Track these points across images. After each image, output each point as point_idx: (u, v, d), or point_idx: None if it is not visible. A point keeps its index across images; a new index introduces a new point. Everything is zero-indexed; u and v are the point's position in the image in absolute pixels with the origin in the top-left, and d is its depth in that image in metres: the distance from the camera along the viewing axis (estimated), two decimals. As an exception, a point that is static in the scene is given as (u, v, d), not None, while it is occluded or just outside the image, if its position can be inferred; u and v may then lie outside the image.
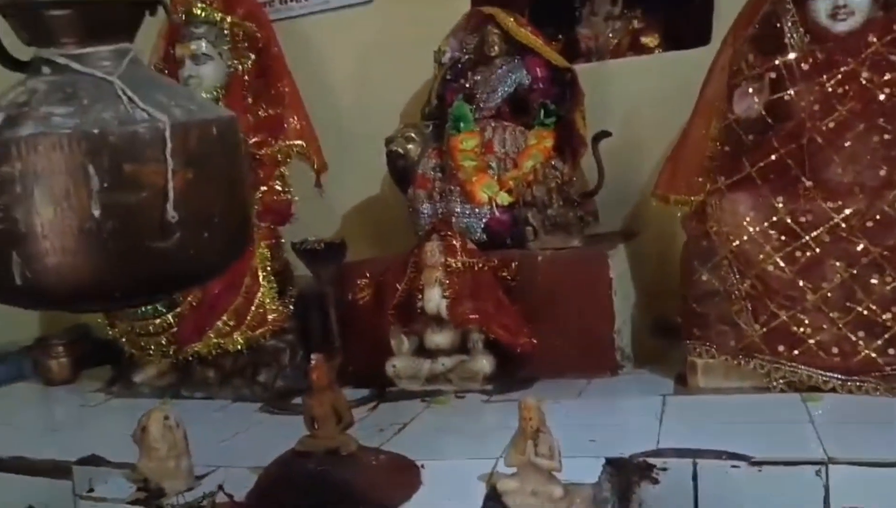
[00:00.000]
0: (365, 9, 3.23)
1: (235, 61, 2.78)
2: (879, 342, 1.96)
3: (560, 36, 3.22)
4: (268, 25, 2.86)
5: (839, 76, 2.07)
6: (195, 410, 2.40)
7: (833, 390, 2.00)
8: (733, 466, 1.64)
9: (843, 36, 2.11)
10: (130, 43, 1.22)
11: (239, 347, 2.50)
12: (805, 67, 2.11)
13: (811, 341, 2.01)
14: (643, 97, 2.90)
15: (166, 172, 1.09)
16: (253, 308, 2.50)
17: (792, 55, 2.13)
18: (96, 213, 1.07)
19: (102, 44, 1.18)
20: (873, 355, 1.96)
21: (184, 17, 2.77)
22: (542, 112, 2.71)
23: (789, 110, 2.12)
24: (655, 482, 1.69)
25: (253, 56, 2.80)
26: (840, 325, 1.99)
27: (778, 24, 2.17)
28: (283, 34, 3.06)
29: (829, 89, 2.07)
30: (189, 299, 2.52)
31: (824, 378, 2.01)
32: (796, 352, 2.03)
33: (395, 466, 1.77)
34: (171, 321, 2.57)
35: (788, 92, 2.12)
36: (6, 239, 1.08)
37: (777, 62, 2.13)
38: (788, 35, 2.14)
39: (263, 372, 2.57)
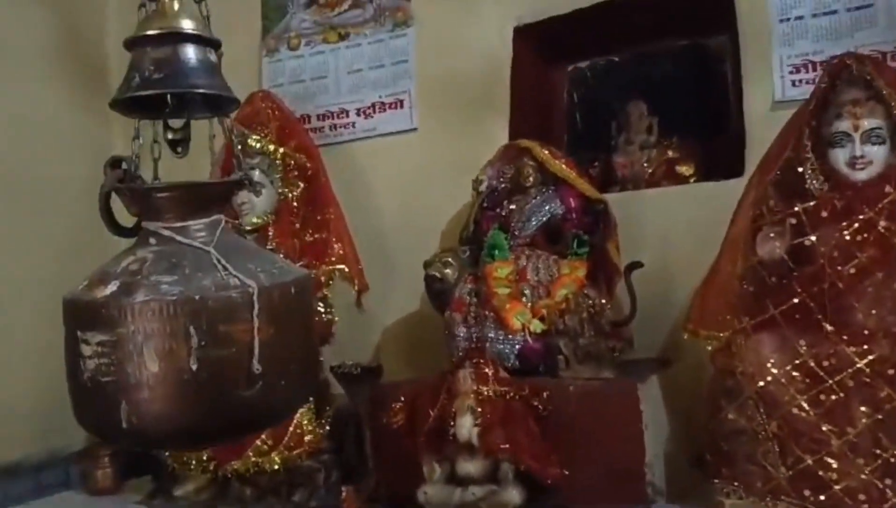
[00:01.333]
0: (409, 136, 3.47)
1: (286, 189, 3.01)
2: (907, 490, 2.00)
3: (596, 163, 3.42)
4: (317, 156, 3.11)
5: (857, 224, 2.18)
6: (231, 527, 2.53)
7: (862, 537, 2.03)
8: None
9: (861, 185, 2.23)
10: (221, 214, 1.47)
11: (276, 466, 2.63)
12: (824, 213, 2.24)
13: (837, 486, 2.06)
14: (677, 226, 3.03)
15: (253, 330, 1.31)
16: (291, 429, 2.64)
17: (812, 202, 2.25)
18: (193, 367, 1.28)
19: (199, 217, 1.43)
20: (901, 503, 1.99)
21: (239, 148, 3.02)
22: (576, 242, 2.84)
23: (810, 255, 2.24)
24: None
25: (302, 184, 3.03)
26: (867, 471, 2.03)
27: (799, 170, 2.31)
28: (331, 157, 3.32)
29: (848, 236, 2.18)
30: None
31: (852, 525, 2.04)
32: (823, 497, 2.07)
33: None
34: (213, 437, 2.71)
35: (809, 237, 2.24)
36: (116, 389, 1.29)
37: (797, 208, 2.26)
38: (809, 181, 2.28)
39: (298, 492, 2.69)
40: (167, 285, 1.31)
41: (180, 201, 1.42)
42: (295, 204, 3.02)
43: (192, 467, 2.76)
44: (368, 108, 3.52)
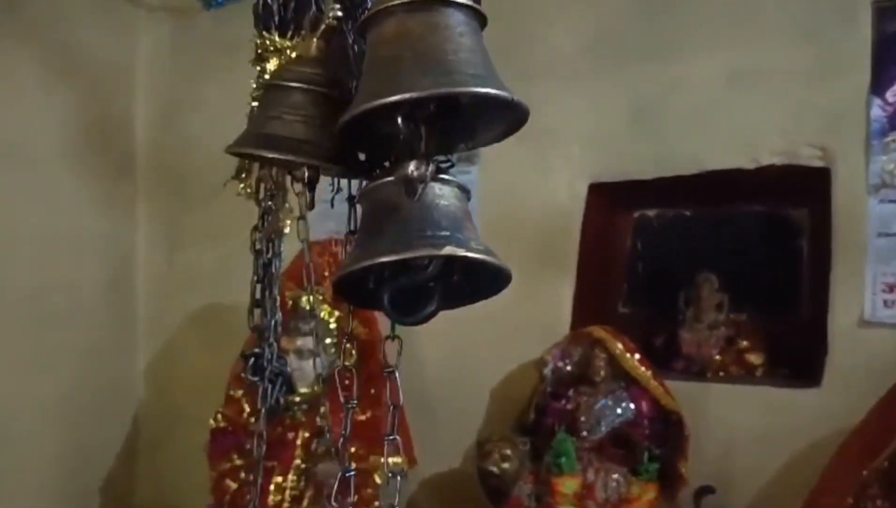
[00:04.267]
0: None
1: (339, 359, 2.75)
2: None
3: (661, 334, 3.23)
4: (374, 322, 2.84)
5: None
6: None
7: None
8: None
9: None
10: None
11: None
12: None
13: None
14: (742, 428, 2.95)
15: None
16: None
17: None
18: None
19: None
20: None
21: (290, 303, 2.77)
22: (647, 456, 2.69)
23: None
24: None
25: (356, 354, 2.77)
26: None
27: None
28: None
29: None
30: None
31: None
32: None
33: None
34: None
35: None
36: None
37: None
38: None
39: None
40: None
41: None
42: (347, 377, 2.75)
43: None
44: (424, 244, 3.24)
